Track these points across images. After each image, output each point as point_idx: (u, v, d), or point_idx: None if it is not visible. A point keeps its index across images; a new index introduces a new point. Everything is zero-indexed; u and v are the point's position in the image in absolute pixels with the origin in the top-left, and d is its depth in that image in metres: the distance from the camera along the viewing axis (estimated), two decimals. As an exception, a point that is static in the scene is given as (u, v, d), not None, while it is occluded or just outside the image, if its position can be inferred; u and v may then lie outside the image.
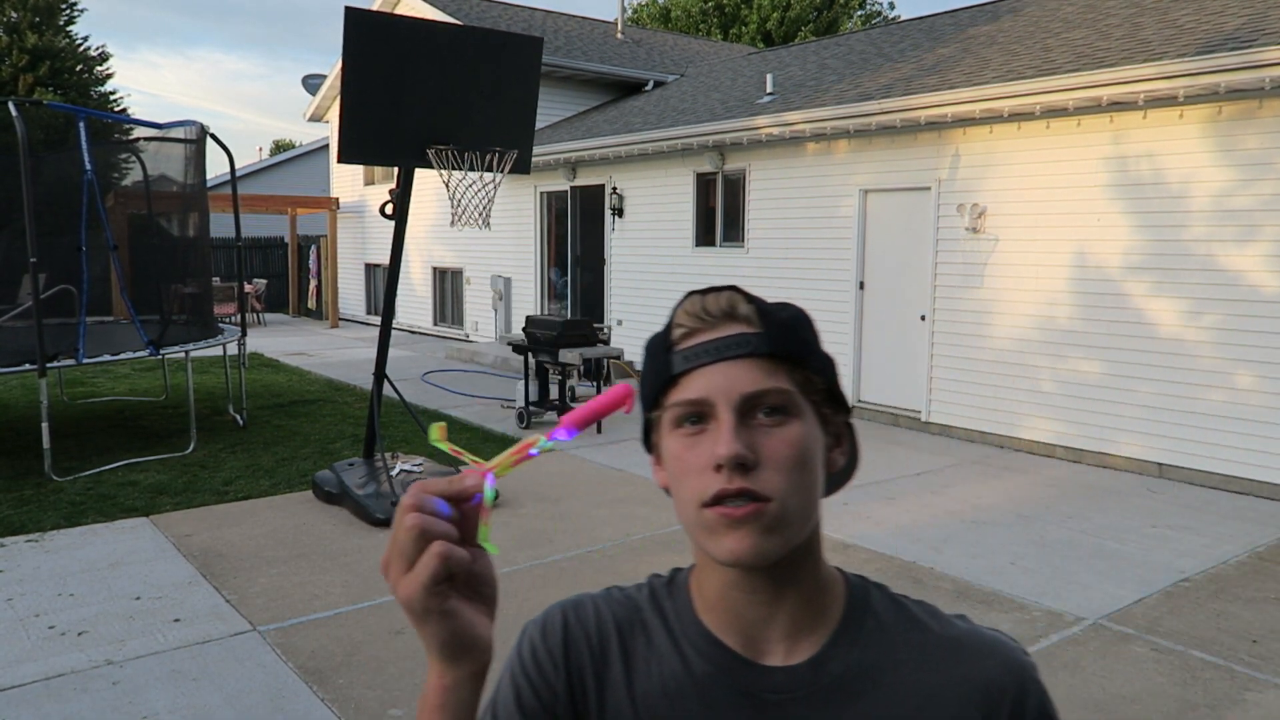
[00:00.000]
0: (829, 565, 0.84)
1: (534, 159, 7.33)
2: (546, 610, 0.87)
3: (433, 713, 0.70)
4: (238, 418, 8.37)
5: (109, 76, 21.78)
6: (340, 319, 18.29)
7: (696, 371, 0.77)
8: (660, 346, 0.80)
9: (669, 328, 0.80)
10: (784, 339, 0.78)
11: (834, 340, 9.01)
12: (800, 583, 0.80)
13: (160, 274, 8.30)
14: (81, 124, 6.84)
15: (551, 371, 8.54)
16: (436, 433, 0.70)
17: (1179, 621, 4.17)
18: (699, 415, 0.76)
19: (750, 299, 0.80)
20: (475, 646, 0.68)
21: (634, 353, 10.31)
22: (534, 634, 0.85)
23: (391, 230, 5.84)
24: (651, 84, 15.25)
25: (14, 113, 6.22)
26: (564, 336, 8.02)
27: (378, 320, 17.32)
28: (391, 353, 11.81)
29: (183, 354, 7.59)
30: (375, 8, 15.01)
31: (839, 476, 0.85)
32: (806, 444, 0.77)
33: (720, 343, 0.77)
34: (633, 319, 11.51)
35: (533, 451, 0.68)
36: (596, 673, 0.82)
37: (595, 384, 9.10)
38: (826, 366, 0.81)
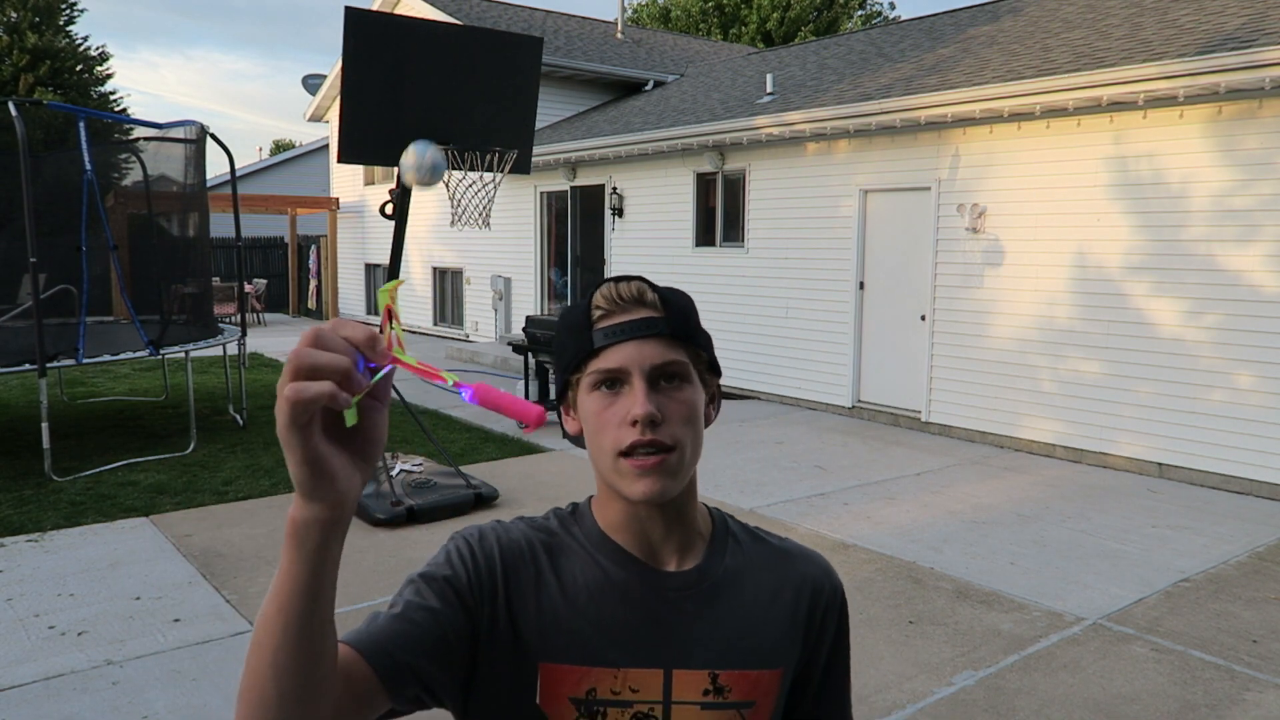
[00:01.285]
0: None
1: (534, 159, 7.33)
2: (477, 525, 1.02)
3: (286, 540, 0.73)
4: (238, 418, 8.37)
5: (109, 76, 21.77)
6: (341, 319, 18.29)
7: (615, 346, 0.95)
8: (582, 323, 0.98)
9: (588, 308, 0.98)
10: (681, 322, 0.97)
11: (834, 340, 9.01)
12: (686, 511, 1.02)
13: (160, 274, 8.29)
14: (81, 124, 6.84)
15: (551, 371, 8.53)
16: (390, 285, 0.75)
17: (1179, 621, 4.17)
18: (615, 381, 0.95)
19: (654, 288, 0.98)
20: (329, 485, 0.70)
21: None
22: (470, 537, 1.00)
23: (391, 230, 5.84)
24: (651, 84, 15.24)
25: (14, 113, 6.22)
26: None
27: (378, 320, 17.23)
28: (391, 353, 11.76)
29: (183, 354, 7.59)
30: (375, 8, 15.01)
31: (708, 424, 1.08)
32: (696, 403, 0.97)
33: (634, 324, 0.96)
34: (633, 319, 11.49)
35: (438, 382, 0.75)
36: (535, 580, 0.99)
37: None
38: (707, 342, 1.02)
